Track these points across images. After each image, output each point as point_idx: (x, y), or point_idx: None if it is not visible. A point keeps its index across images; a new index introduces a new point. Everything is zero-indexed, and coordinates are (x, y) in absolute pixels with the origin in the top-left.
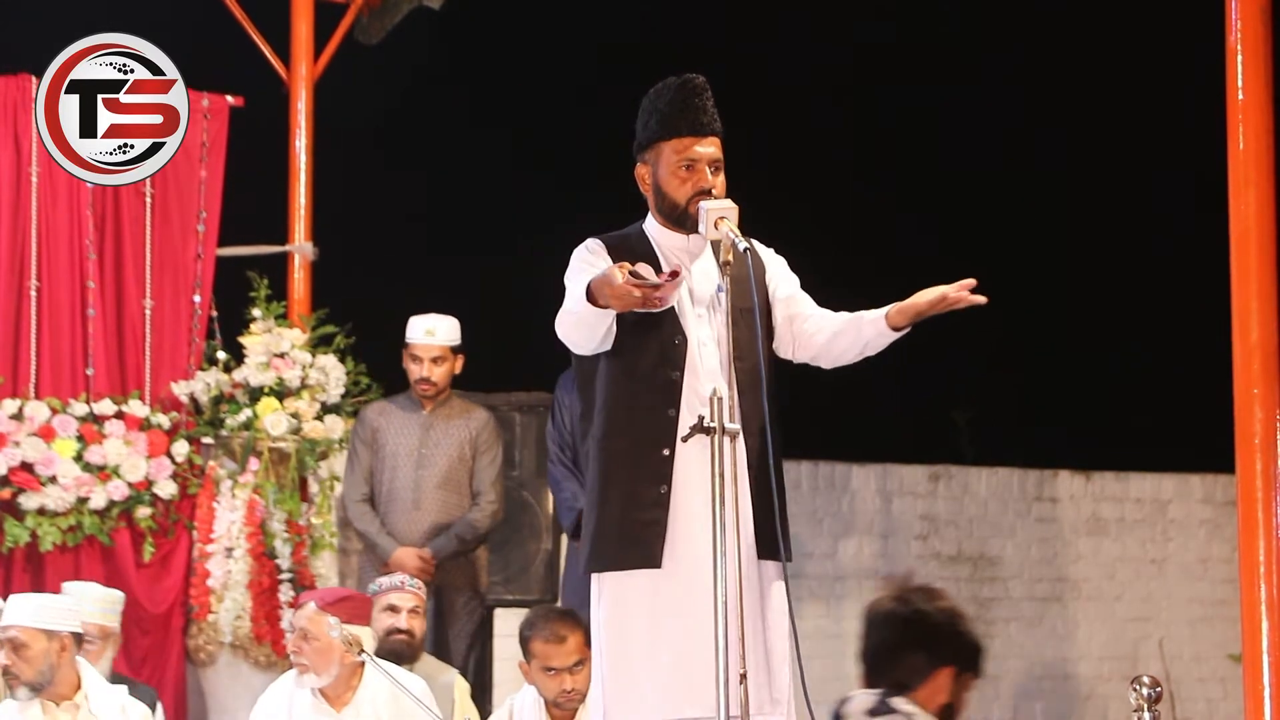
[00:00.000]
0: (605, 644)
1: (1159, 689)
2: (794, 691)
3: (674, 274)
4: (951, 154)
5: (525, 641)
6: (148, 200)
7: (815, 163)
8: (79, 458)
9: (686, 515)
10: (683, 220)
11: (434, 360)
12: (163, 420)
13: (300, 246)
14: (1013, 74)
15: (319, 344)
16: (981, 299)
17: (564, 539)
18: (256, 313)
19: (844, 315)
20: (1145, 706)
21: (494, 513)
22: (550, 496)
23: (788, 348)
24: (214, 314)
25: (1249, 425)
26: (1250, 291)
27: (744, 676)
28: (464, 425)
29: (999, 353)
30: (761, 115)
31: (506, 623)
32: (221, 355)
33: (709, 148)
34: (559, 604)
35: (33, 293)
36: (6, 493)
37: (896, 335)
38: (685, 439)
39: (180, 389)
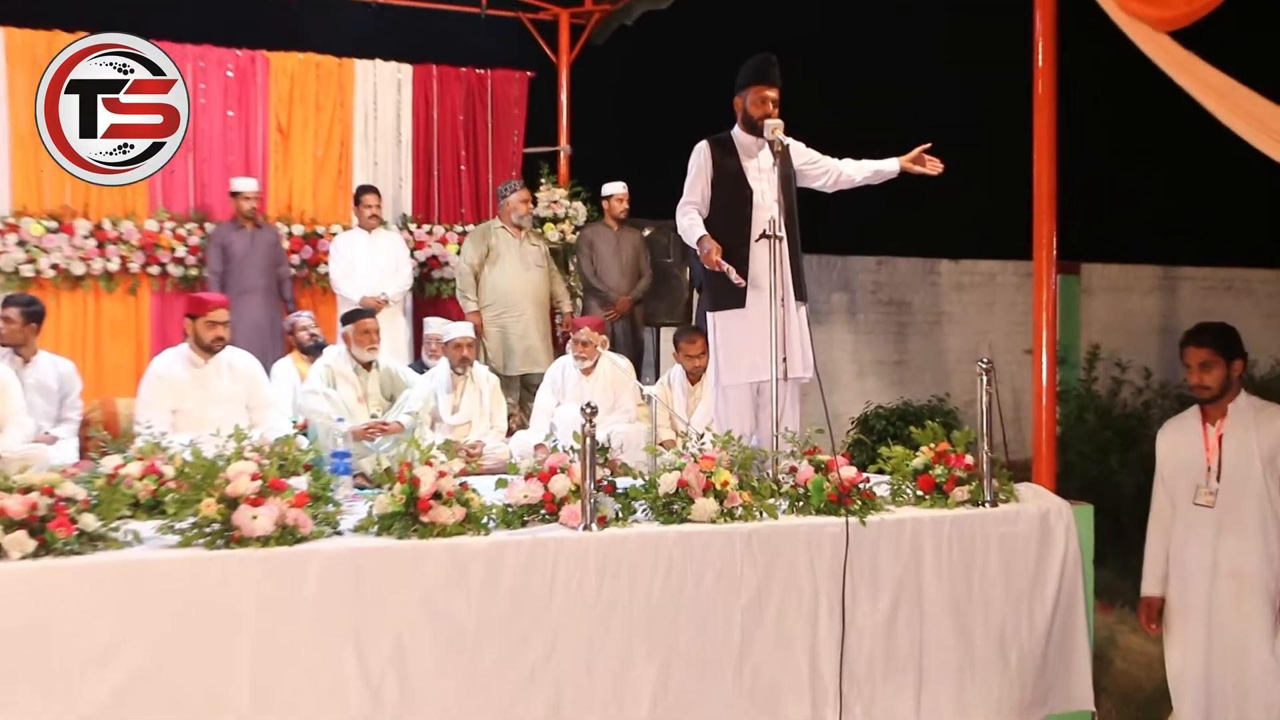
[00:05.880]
0: (719, 345)
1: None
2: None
3: (736, 278)
4: None
5: (676, 342)
6: (489, 125)
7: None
8: None
9: (757, 279)
10: (755, 129)
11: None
12: None
13: (563, 148)
14: None
15: (572, 196)
16: (935, 170)
17: (694, 293)
18: (543, 181)
19: (865, 163)
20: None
21: (650, 281)
22: (688, 272)
23: (827, 185)
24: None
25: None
26: None
27: (785, 358)
28: (636, 236)
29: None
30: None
31: (666, 335)
32: None
33: (773, 92)
34: (694, 323)
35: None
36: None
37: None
38: (757, 240)
39: None
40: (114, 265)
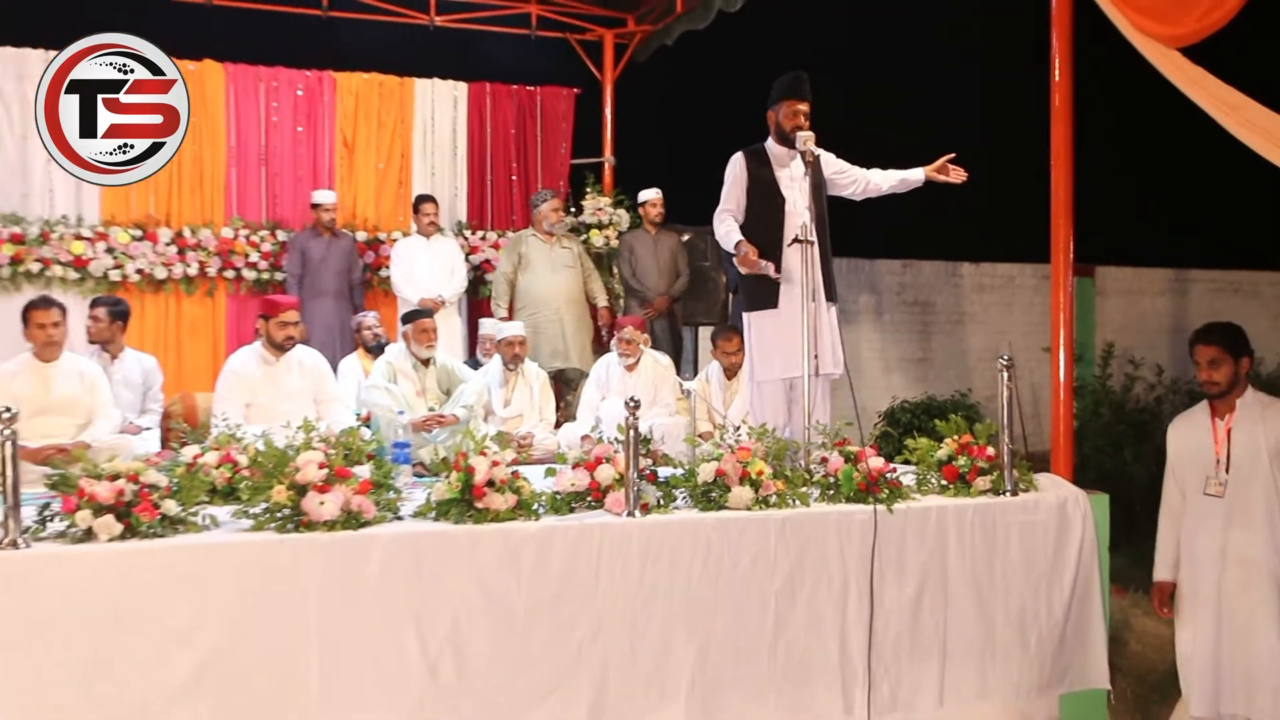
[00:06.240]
0: (754, 343)
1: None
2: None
3: (774, 273)
4: None
5: (714, 340)
6: (538, 138)
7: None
8: None
9: (790, 281)
10: (788, 141)
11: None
12: None
13: (608, 159)
14: None
15: (616, 205)
16: (958, 179)
17: (730, 294)
18: (589, 190)
19: (891, 172)
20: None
21: (686, 281)
22: (724, 275)
23: (856, 193)
24: (569, 190)
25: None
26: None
27: (816, 355)
28: (673, 239)
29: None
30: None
31: (704, 334)
32: (574, 209)
33: (805, 106)
34: (730, 323)
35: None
36: None
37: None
38: (789, 245)
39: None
40: (193, 270)
